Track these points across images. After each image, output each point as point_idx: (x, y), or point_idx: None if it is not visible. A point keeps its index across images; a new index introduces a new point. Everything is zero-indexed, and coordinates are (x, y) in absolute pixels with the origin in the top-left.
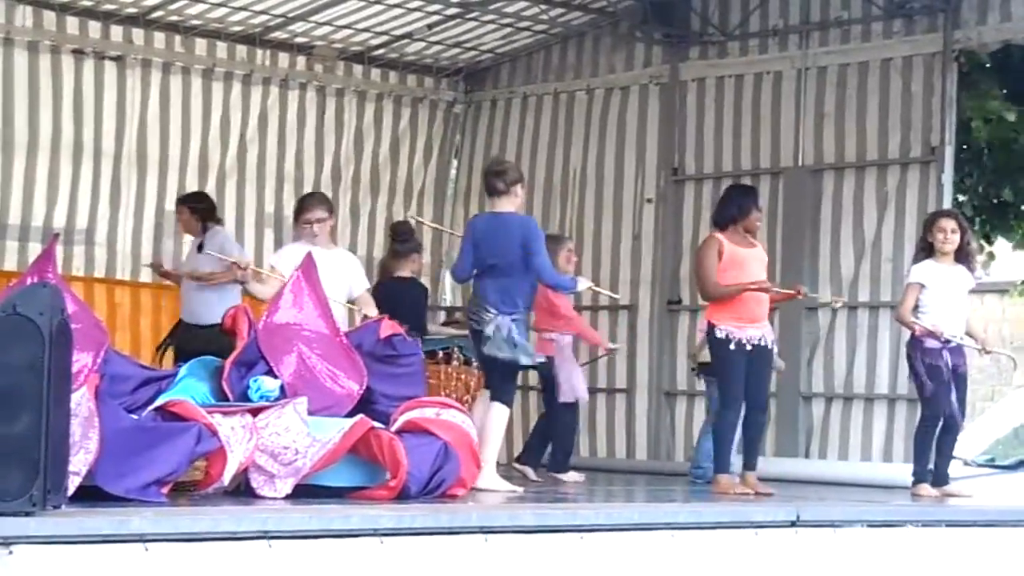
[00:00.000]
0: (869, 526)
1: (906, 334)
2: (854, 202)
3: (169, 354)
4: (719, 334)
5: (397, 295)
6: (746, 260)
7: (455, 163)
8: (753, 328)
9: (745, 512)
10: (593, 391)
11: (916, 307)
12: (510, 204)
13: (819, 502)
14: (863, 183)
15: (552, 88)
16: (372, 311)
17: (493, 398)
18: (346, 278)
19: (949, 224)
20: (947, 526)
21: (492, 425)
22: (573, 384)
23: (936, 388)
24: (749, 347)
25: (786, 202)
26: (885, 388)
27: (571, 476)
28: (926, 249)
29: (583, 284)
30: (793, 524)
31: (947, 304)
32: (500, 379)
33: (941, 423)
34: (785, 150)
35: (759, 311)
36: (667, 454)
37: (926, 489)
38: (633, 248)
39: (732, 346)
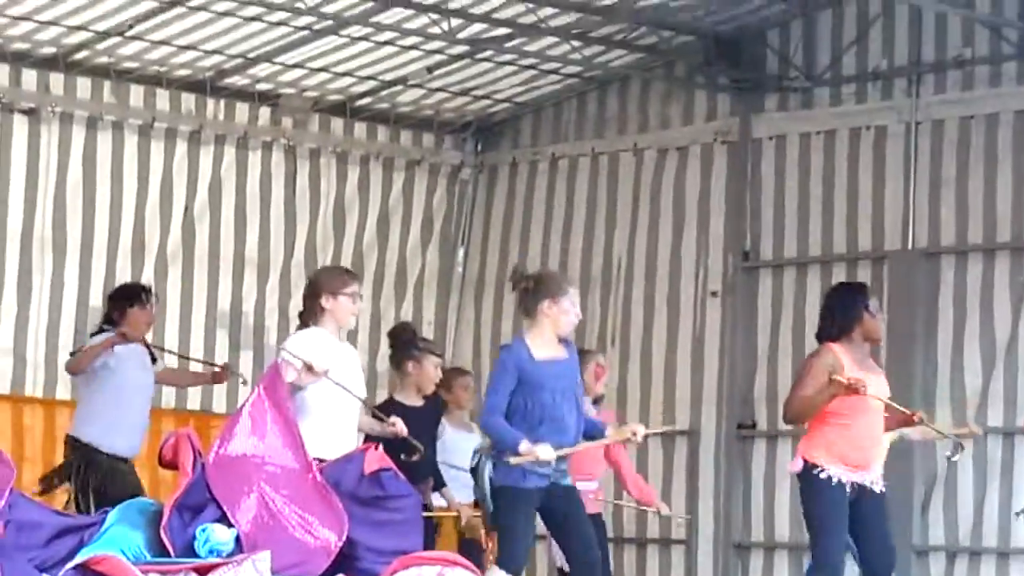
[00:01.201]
0: None
1: None
2: (982, 295)
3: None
4: (819, 473)
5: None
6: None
7: (462, 244)
8: (863, 474)
9: None
10: (642, 543)
11: None
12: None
13: None
14: (992, 270)
15: (588, 148)
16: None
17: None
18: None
19: None
20: None
21: None
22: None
23: None
24: (853, 493)
25: (892, 296)
26: None
27: None
28: None
29: (534, 450)
30: None
31: None
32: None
33: None
34: (891, 228)
35: (873, 453)
36: None
37: None
38: (694, 355)
39: (833, 483)
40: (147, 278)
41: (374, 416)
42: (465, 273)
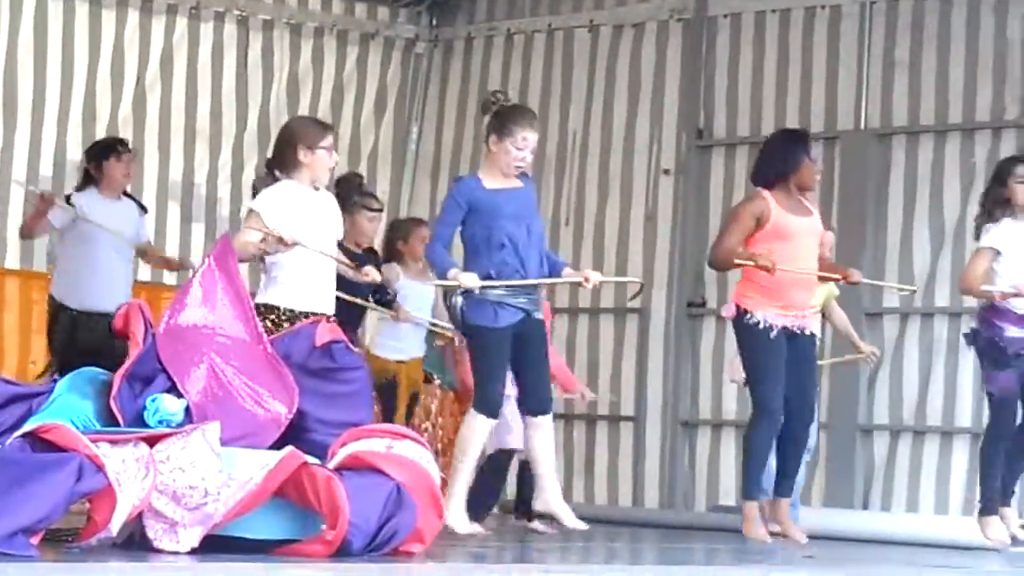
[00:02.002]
0: None
1: None
2: (931, 177)
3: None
4: (751, 320)
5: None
6: (796, 233)
7: (417, 119)
8: (795, 318)
9: None
10: (591, 419)
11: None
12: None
13: (880, 566)
14: (943, 152)
15: (545, 23)
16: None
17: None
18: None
19: None
20: None
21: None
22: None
23: (1005, 394)
24: (789, 334)
25: (844, 175)
26: (968, 420)
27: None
28: (1001, 205)
29: (460, 277)
30: None
31: None
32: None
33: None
34: (844, 109)
35: (803, 297)
36: (685, 502)
37: (995, 525)
38: (646, 234)
39: (772, 334)
40: None
41: (349, 266)
42: (419, 149)
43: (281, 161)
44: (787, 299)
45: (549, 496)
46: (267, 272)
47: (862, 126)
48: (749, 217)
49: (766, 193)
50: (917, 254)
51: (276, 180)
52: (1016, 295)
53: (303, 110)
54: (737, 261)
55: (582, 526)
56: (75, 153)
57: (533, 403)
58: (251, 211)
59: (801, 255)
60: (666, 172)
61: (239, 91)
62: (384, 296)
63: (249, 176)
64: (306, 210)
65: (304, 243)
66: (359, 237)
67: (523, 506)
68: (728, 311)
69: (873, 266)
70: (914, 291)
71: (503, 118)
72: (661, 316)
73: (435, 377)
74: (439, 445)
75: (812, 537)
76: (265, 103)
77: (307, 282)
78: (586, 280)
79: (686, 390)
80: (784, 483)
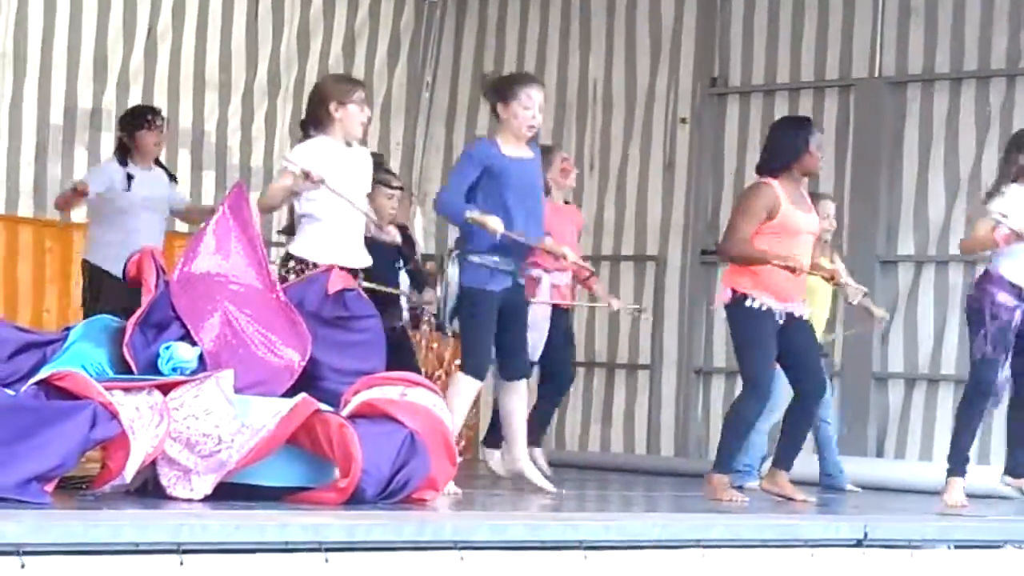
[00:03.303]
0: (956, 547)
1: None
2: (947, 125)
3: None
4: (751, 303)
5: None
6: (801, 229)
7: (430, 70)
8: (789, 305)
9: (798, 528)
10: (608, 367)
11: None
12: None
13: (893, 516)
14: (958, 99)
15: None
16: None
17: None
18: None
19: None
20: None
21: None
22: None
23: (992, 355)
24: (781, 320)
25: (858, 125)
26: None
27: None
28: (1013, 173)
29: (485, 218)
30: (859, 543)
31: None
32: None
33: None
34: (859, 57)
35: (797, 288)
36: (698, 450)
37: (957, 488)
38: (664, 182)
39: (768, 314)
40: (108, 98)
41: (373, 221)
42: (433, 98)
43: (315, 118)
44: (781, 290)
45: (518, 456)
46: (298, 224)
47: (877, 74)
48: (761, 209)
49: (774, 183)
50: (932, 202)
51: (308, 138)
52: (1020, 238)
53: (314, 59)
54: (775, 263)
55: (550, 488)
56: (85, 102)
57: (511, 368)
58: (284, 167)
59: (801, 250)
60: (683, 121)
61: (249, 41)
62: (406, 262)
63: (259, 125)
64: (338, 163)
65: (330, 185)
66: (379, 215)
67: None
68: (724, 296)
69: (888, 214)
70: (887, 320)
71: (503, 83)
72: (677, 264)
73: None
74: None
75: (827, 485)
76: (276, 53)
77: (337, 235)
78: (563, 256)
79: (700, 338)
80: (790, 456)
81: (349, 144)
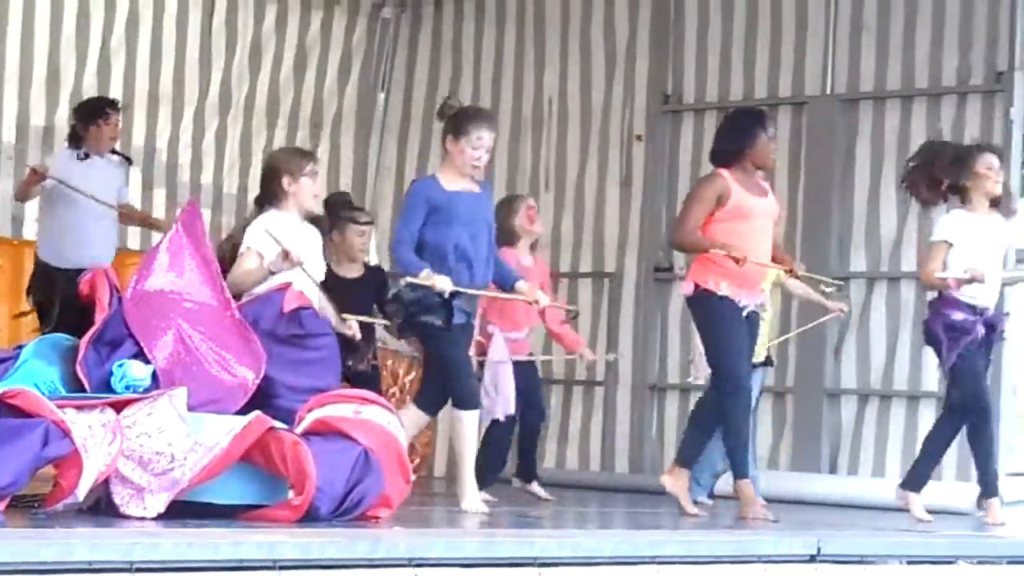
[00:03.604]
0: (909, 562)
1: None
2: (899, 142)
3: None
4: (716, 295)
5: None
6: (754, 214)
7: (383, 87)
8: (752, 296)
9: (752, 544)
10: (565, 383)
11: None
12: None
13: (846, 531)
14: (910, 118)
15: None
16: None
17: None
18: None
19: (996, 161)
20: (1010, 563)
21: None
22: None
23: (963, 370)
24: (745, 311)
25: (810, 142)
26: (935, 384)
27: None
28: (958, 193)
29: (434, 278)
30: (813, 559)
31: (983, 264)
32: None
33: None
34: (811, 74)
35: (758, 277)
36: (653, 466)
37: (914, 501)
38: (622, 199)
39: (735, 306)
40: (61, 115)
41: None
42: (386, 116)
43: (269, 193)
44: (743, 279)
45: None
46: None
47: (829, 91)
48: (711, 196)
49: (725, 172)
50: (884, 219)
51: (264, 213)
52: (970, 281)
53: (264, 76)
54: (713, 251)
55: (482, 509)
56: (38, 119)
57: (460, 401)
58: (248, 248)
59: (756, 236)
60: (639, 138)
61: (202, 56)
62: (354, 358)
63: (210, 143)
64: (295, 239)
65: (306, 268)
66: (352, 253)
67: (524, 470)
68: (687, 288)
69: (840, 231)
70: (841, 286)
71: (458, 119)
72: (632, 281)
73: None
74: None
75: (779, 501)
76: (228, 68)
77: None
78: (536, 302)
79: (655, 355)
80: (694, 456)
81: (303, 220)
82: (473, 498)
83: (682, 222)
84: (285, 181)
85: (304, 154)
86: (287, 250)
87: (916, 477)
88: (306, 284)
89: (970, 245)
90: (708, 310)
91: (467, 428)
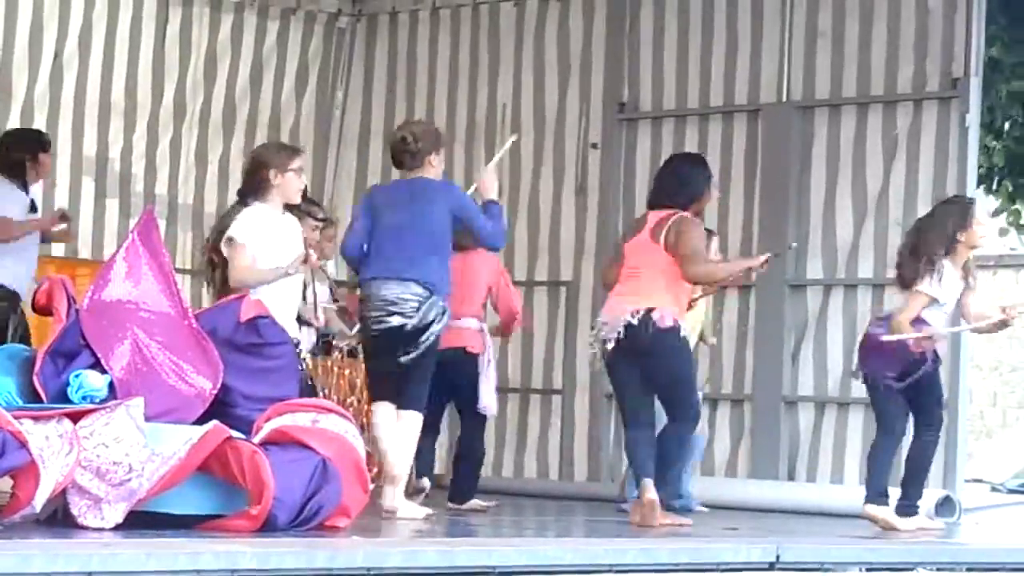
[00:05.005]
0: (868, 569)
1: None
2: (854, 149)
3: None
4: (683, 334)
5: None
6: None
7: (340, 96)
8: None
9: (711, 552)
10: (522, 392)
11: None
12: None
13: (805, 538)
14: (865, 124)
15: None
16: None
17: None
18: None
19: (980, 211)
20: (968, 570)
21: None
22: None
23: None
24: None
25: (766, 149)
26: None
27: (476, 504)
28: (948, 248)
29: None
30: (772, 566)
31: (947, 322)
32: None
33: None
34: (767, 82)
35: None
36: (610, 475)
37: (884, 513)
38: (577, 207)
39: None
40: (12, 122)
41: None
42: (344, 125)
43: (252, 186)
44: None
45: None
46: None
47: (785, 99)
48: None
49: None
50: (840, 227)
51: (246, 206)
52: (928, 337)
53: (220, 87)
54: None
55: (420, 514)
56: None
57: (403, 400)
58: (231, 239)
59: None
60: (594, 146)
61: (156, 67)
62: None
63: (163, 152)
64: (278, 233)
65: (328, 270)
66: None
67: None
68: (663, 321)
69: (796, 238)
70: (516, 137)
71: (435, 136)
72: (589, 289)
73: (358, 351)
74: (364, 420)
75: (737, 509)
76: (182, 79)
77: (279, 305)
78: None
79: None
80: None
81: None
82: (407, 503)
83: (704, 258)
84: (272, 174)
85: (292, 149)
86: (307, 255)
87: (878, 489)
88: (297, 284)
89: (949, 304)
90: (683, 348)
91: (413, 429)
